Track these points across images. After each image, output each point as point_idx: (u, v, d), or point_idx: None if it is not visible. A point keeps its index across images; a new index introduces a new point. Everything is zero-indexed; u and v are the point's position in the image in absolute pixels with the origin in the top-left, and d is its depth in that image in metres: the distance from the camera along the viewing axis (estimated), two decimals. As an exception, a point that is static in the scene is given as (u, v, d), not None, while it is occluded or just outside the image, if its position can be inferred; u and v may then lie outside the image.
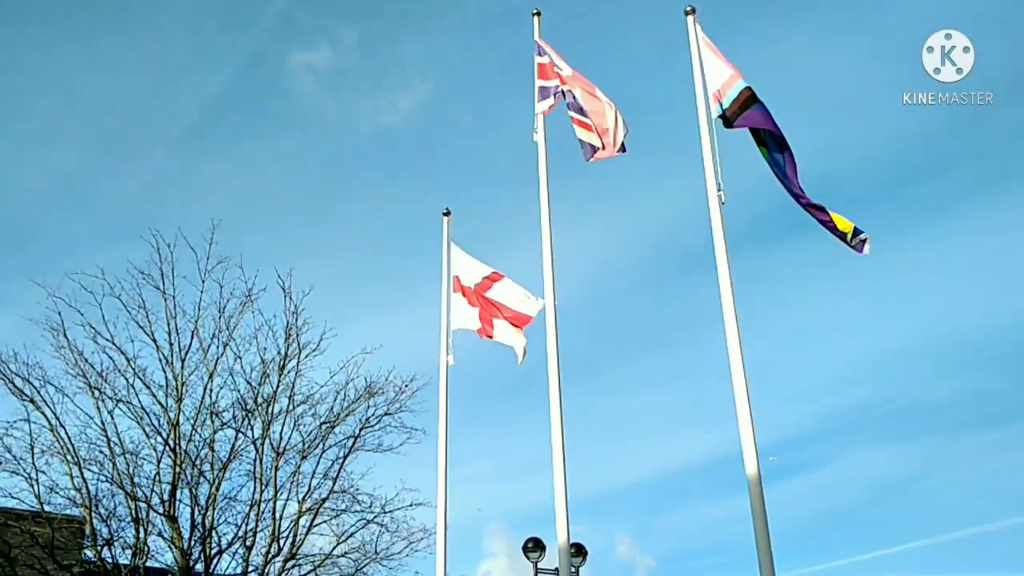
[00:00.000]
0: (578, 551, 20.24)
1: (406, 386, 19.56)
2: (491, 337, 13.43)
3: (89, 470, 17.79)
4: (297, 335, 19.34)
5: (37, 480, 17.40)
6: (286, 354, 19.27)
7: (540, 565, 24.59)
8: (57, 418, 17.79)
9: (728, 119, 10.83)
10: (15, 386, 17.60)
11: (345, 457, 19.40)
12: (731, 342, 10.01)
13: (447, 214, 15.39)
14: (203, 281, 18.97)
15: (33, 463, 17.41)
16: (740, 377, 9.79)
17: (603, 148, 11.87)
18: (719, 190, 10.56)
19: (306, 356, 19.37)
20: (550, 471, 11.03)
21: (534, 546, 24.74)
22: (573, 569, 19.95)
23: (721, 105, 10.86)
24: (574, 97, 12.18)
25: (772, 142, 10.62)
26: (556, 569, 25.64)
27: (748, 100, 10.71)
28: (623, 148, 11.90)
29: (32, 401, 17.67)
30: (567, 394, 11.27)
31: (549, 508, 10.87)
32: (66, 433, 17.77)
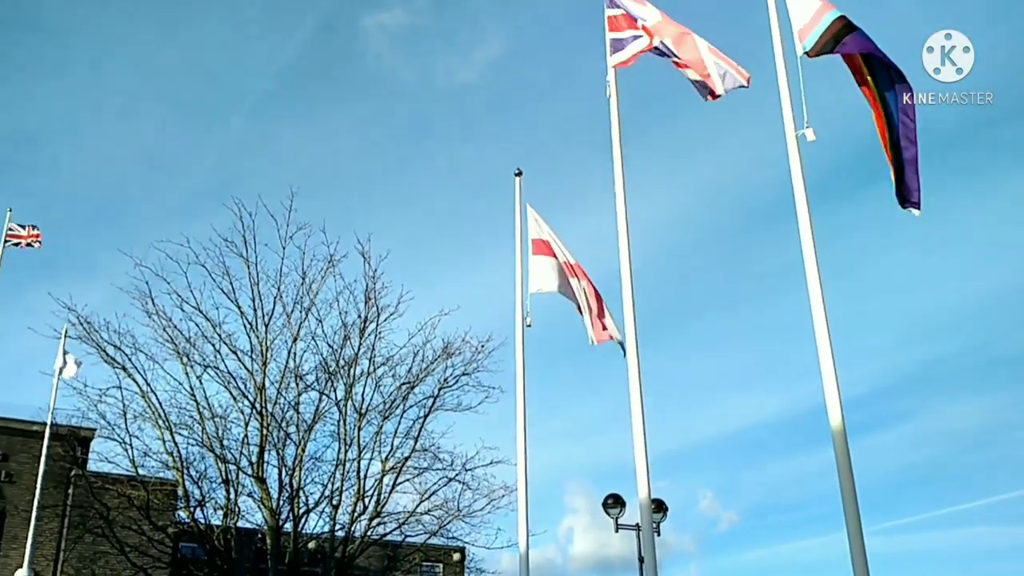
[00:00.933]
0: (658, 507, 20.27)
1: (482, 346, 19.74)
2: (580, 312, 13.25)
3: (180, 434, 18.39)
4: (376, 299, 19.63)
5: (131, 445, 18.06)
6: (366, 317, 19.58)
7: (620, 521, 24.72)
8: (148, 384, 18.38)
9: (817, 53, 10.15)
10: (107, 354, 18.23)
11: (425, 417, 19.71)
12: (812, 290, 9.79)
13: (519, 174, 15.32)
14: (284, 248, 19.34)
15: (127, 428, 18.05)
16: (823, 328, 9.59)
17: (713, 88, 11.47)
18: (805, 126, 10.14)
19: (385, 319, 19.67)
20: (629, 427, 11.00)
21: (614, 502, 24.86)
22: (654, 525, 20.02)
23: (804, 45, 10.28)
24: (666, 45, 11.78)
25: (882, 73, 9.88)
26: (636, 524, 25.76)
27: (842, 30, 10.02)
28: (739, 85, 11.48)
29: (124, 368, 18.29)
30: (644, 352, 11.21)
31: (630, 464, 10.85)
32: (157, 399, 18.38)
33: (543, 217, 14.52)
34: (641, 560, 26.05)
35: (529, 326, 14.33)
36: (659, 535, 19.85)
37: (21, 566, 30.61)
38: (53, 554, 31.16)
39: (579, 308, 13.39)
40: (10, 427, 32.46)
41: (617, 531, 24.63)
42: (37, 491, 30.99)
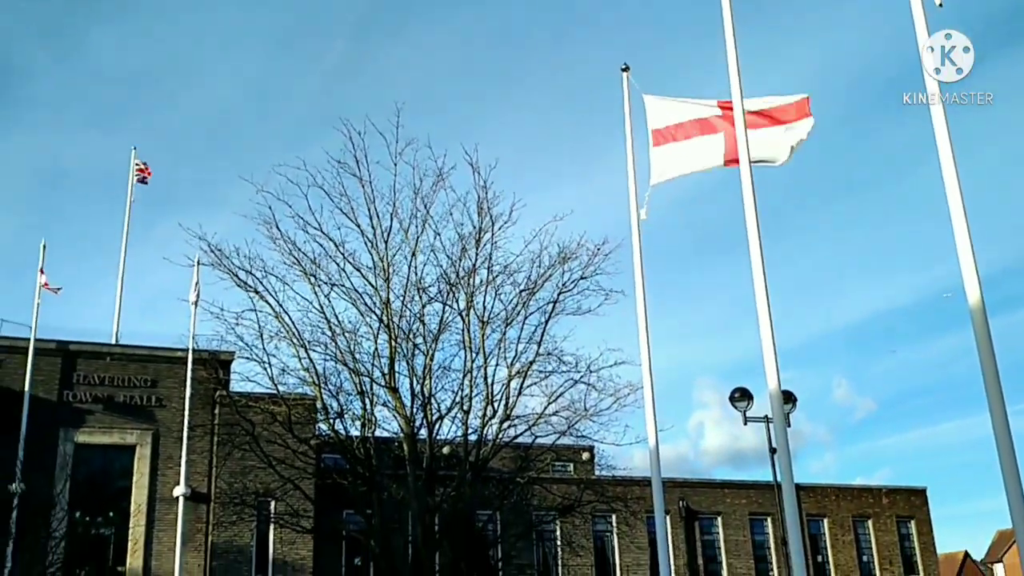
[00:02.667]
0: (787, 398, 20.08)
1: (598, 249, 19.68)
2: (736, 162, 12.66)
3: (314, 351, 19.12)
4: (489, 208, 19.74)
5: (270, 364, 18.86)
6: (480, 228, 19.76)
7: (748, 414, 24.65)
8: (280, 305, 19.09)
9: None
10: (239, 279, 18.96)
11: (547, 322, 19.92)
12: (945, 165, 9.36)
13: (625, 70, 14.98)
14: (395, 164, 19.55)
15: (264, 348, 18.83)
16: (957, 204, 9.18)
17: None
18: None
19: (500, 228, 19.79)
20: (756, 320, 10.88)
21: (741, 396, 24.81)
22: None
23: None
24: None
25: None
26: (766, 416, 25.68)
27: None
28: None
29: (256, 292, 19.01)
30: (768, 241, 10.98)
31: (758, 357, 10.76)
32: (290, 319, 19.09)
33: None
34: (773, 451, 26.06)
35: (645, 219, 14.19)
36: (789, 426, 19.71)
37: (178, 483, 32.72)
38: (206, 470, 33.16)
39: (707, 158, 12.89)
40: (156, 355, 34.36)
41: (746, 424, 24.66)
42: (186, 413, 32.90)
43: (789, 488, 10.72)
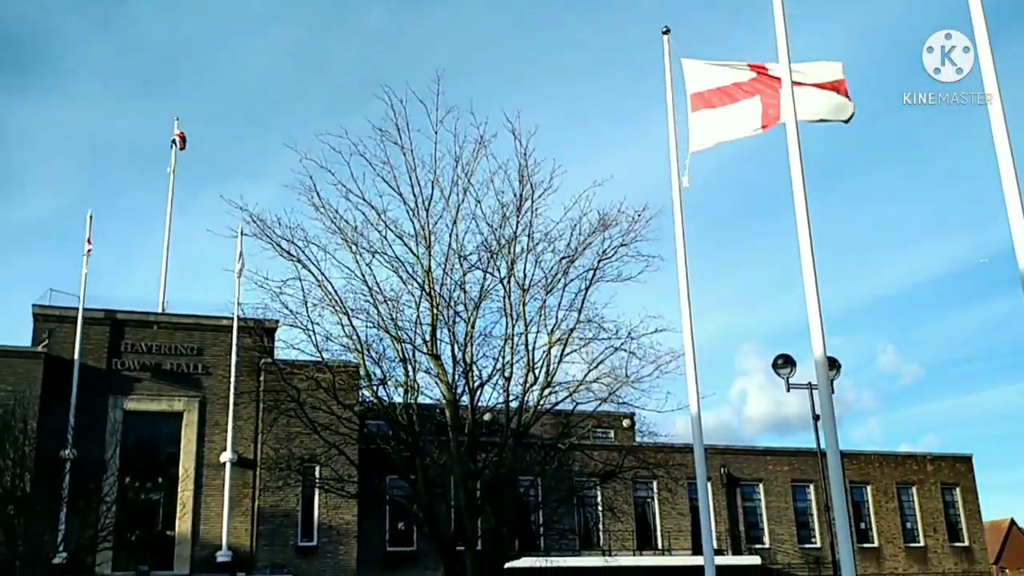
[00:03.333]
0: (831, 365, 19.90)
1: (639, 215, 19.55)
2: (777, 120, 12.40)
3: (357, 318, 19.25)
4: (529, 176, 19.65)
5: (314, 331, 19.02)
6: (521, 195, 19.69)
7: (791, 381, 24.50)
8: (323, 274, 19.22)
9: None
10: (282, 248, 19.09)
11: (587, 289, 19.87)
12: (996, 125, 9.15)
13: (666, 32, 14.80)
14: (436, 132, 19.52)
15: (308, 316, 18.98)
16: (1008, 166, 8.99)
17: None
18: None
19: (540, 195, 19.72)
20: (800, 286, 10.78)
21: (784, 362, 24.66)
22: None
23: None
24: None
25: None
26: (809, 383, 25.50)
27: None
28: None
29: (299, 261, 19.13)
30: (814, 205, 10.85)
31: (802, 324, 10.68)
32: (332, 287, 19.22)
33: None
34: (816, 418, 25.91)
35: (687, 186, 14.08)
36: (833, 393, 19.56)
37: (225, 449, 33.30)
38: (252, 436, 33.72)
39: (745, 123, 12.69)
40: (201, 323, 34.87)
41: (788, 391, 24.53)
42: (232, 380, 33.40)
43: (834, 455, 10.66)
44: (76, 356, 32.30)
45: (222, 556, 32.22)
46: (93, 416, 31.61)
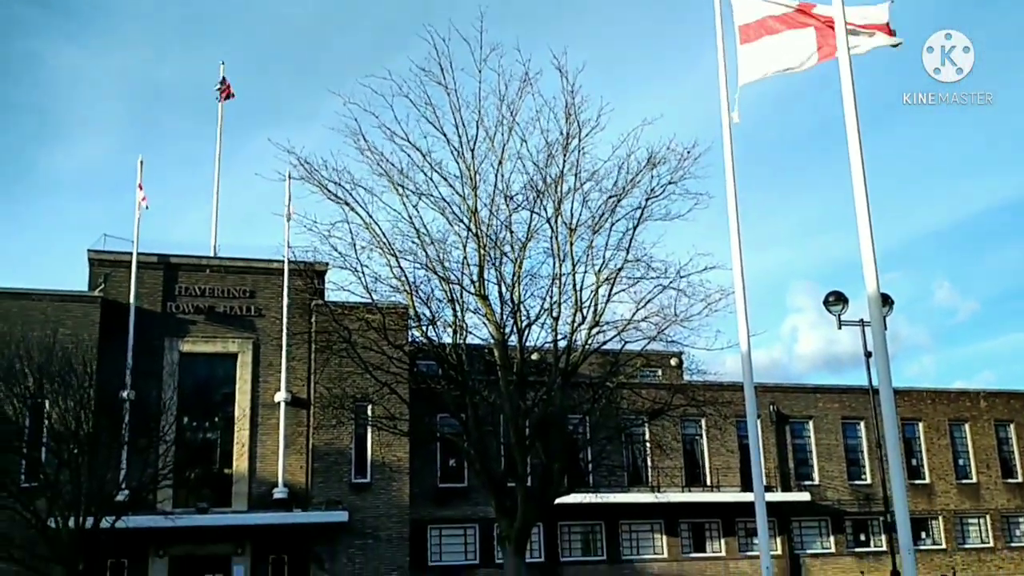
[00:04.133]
0: (884, 301, 19.60)
1: (687, 152, 19.24)
2: (831, 55, 12.09)
3: (405, 260, 19.33)
4: (576, 114, 19.40)
5: (363, 273, 19.13)
6: (567, 134, 19.46)
7: (843, 317, 24.25)
8: (370, 216, 19.27)
9: None
10: (329, 191, 19.16)
11: (635, 228, 19.69)
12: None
13: (716, -37, 14.40)
14: (480, 71, 19.30)
15: (357, 258, 19.09)
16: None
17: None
18: None
19: (587, 134, 19.48)
20: (853, 221, 10.60)
21: (836, 299, 24.39)
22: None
23: None
24: None
25: None
26: (861, 320, 25.23)
27: None
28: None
29: (347, 203, 19.20)
30: (866, 137, 10.61)
31: (855, 260, 10.52)
32: (380, 229, 19.28)
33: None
34: (868, 355, 25.67)
35: (737, 122, 13.85)
36: (886, 329, 19.31)
37: (279, 389, 33.94)
38: (305, 377, 34.33)
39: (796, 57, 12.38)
40: (253, 266, 35.37)
41: (840, 328, 24.30)
42: (284, 322, 33.91)
43: (886, 392, 10.57)
44: (131, 300, 32.99)
45: (278, 493, 33.06)
46: (150, 358, 32.37)
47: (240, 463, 33.42)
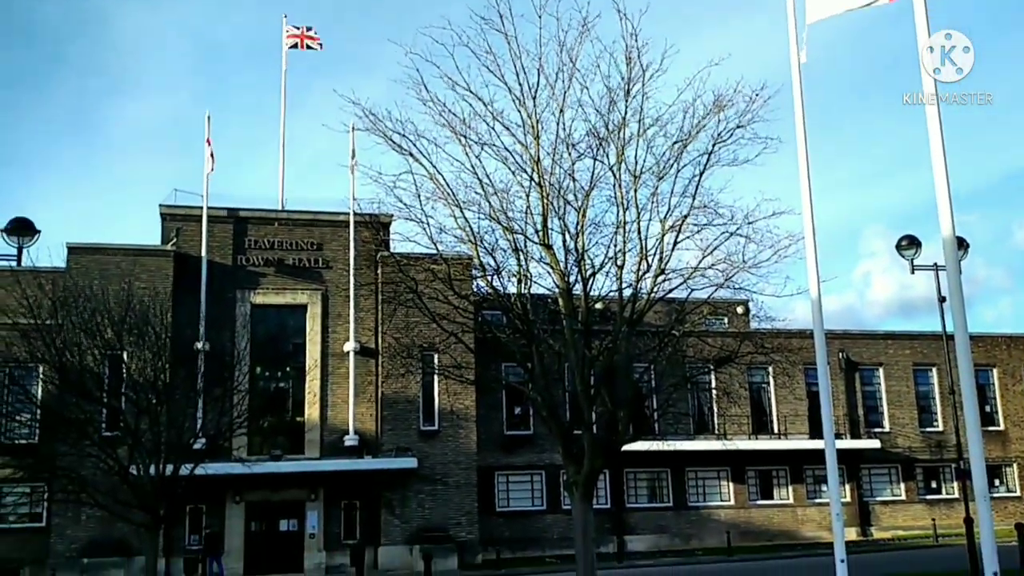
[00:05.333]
0: (958, 244, 19.07)
1: (756, 95, 18.75)
2: None
3: (469, 210, 19.30)
4: (639, 57, 19.02)
5: (428, 224, 19.17)
6: (630, 79, 19.10)
7: (917, 262, 23.72)
8: (434, 167, 19.24)
9: None
10: (394, 142, 19.16)
11: (701, 174, 19.31)
12: None
13: (784, -103, 13.95)
14: (539, 17, 19.01)
15: (422, 209, 19.13)
16: None
17: None
18: None
19: (650, 78, 19.07)
20: (929, 163, 10.31)
21: (908, 243, 23.84)
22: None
23: None
24: None
25: None
26: (934, 264, 24.63)
27: None
28: None
29: (411, 155, 19.19)
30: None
31: (930, 203, 10.25)
32: (444, 180, 19.25)
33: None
34: (942, 300, 25.10)
35: (805, 62, 13.50)
36: (960, 273, 18.80)
37: (348, 339, 34.50)
38: (373, 327, 34.85)
39: None
40: (320, 219, 35.84)
41: (913, 272, 23.77)
42: (351, 273, 34.38)
43: (962, 338, 10.37)
44: (203, 253, 33.73)
45: (349, 440, 33.81)
46: (222, 310, 33.17)
47: (312, 411, 34.21)
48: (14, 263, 19.37)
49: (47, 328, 18.69)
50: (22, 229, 19.21)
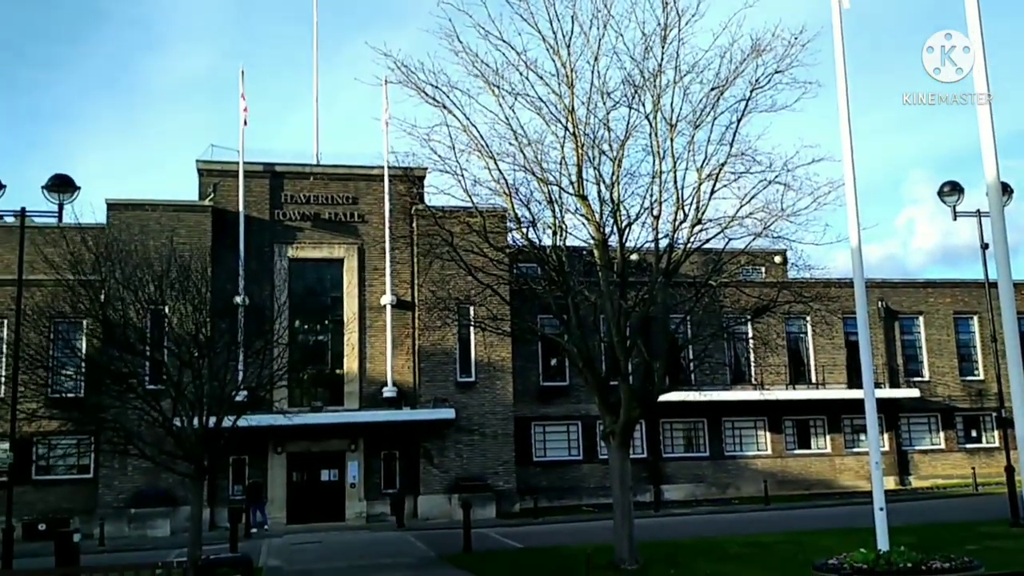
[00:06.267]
0: (1003, 189, 18.71)
1: (795, 39, 18.38)
2: None
3: (503, 162, 19.21)
4: (674, 2, 18.71)
5: (462, 176, 19.13)
6: (665, 24, 18.82)
7: (958, 208, 23.33)
8: (468, 118, 19.14)
9: None
10: (427, 94, 19.06)
11: (738, 121, 19.04)
12: None
13: None
14: (573, -38, 18.73)
15: (456, 161, 19.08)
16: None
17: None
18: None
19: (686, 23, 18.78)
20: (972, 108, 10.09)
21: (951, 189, 23.44)
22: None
23: None
24: None
25: None
26: (977, 211, 24.21)
27: None
28: None
29: (444, 106, 19.09)
30: (985, 17, 9.99)
31: (975, 148, 10.04)
32: (477, 131, 19.16)
33: None
34: (984, 247, 24.71)
35: (847, 7, 13.21)
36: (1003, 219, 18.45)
37: (384, 292, 34.73)
38: (409, 280, 35.03)
39: None
40: (354, 173, 35.91)
41: (955, 219, 23.39)
42: (386, 226, 34.49)
43: (1005, 285, 10.23)
44: (240, 208, 33.99)
45: (388, 392, 34.19)
46: (261, 264, 33.46)
47: (350, 364, 34.59)
48: (56, 219, 19.66)
49: (90, 283, 18.97)
50: (63, 186, 19.49)
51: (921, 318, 42.27)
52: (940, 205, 23.35)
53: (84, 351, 21.33)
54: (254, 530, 30.19)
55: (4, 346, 27.91)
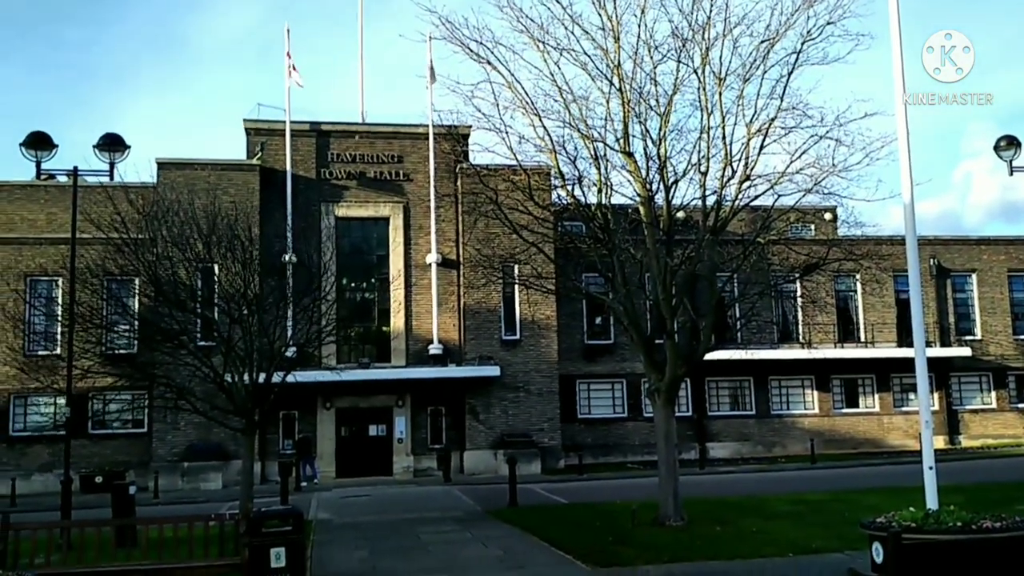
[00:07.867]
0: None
1: (849, -13, 17.87)
2: None
3: (548, 119, 19.03)
4: (725, -48, 18.27)
5: (507, 133, 18.99)
6: (715, -26, 18.42)
7: (1016, 164, 22.74)
8: (512, 75, 18.97)
9: None
10: (471, 50, 18.91)
11: (789, 74, 18.65)
12: None
13: None
14: (619, -89, 18.36)
15: (501, 118, 18.94)
16: None
17: None
18: None
19: (736, -26, 18.39)
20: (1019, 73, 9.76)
21: (1007, 144, 22.80)
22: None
23: None
24: None
25: None
26: (1035, 166, 23.54)
27: None
28: None
29: (488, 63, 18.94)
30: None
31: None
32: (522, 88, 18.99)
33: None
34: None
35: (904, -43, 12.79)
36: (1064, 175, 17.94)
37: (430, 251, 34.86)
38: (454, 238, 35.10)
39: None
40: (400, 131, 35.92)
41: (1011, 174, 22.75)
42: (431, 185, 34.52)
43: (1064, 241, 9.93)
44: (288, 167, 34.22)
45: (434, 349, 34.46)
46: (308, 222, 33.74)
47: (397, 321, 34.88)
48: (106, 178, 19.91)
49: (140, 242, 19.24)
50: (113, 145, 19.68)
51: (974, 276, 41.48)
52: (999, 160, 22.76)
53: (136, 309, 21.70)
54: (304, 483, 30.76)
55: (60, 305, 28.50)
